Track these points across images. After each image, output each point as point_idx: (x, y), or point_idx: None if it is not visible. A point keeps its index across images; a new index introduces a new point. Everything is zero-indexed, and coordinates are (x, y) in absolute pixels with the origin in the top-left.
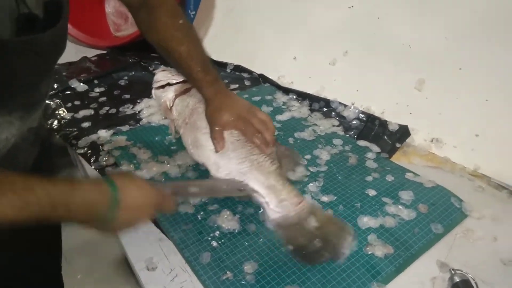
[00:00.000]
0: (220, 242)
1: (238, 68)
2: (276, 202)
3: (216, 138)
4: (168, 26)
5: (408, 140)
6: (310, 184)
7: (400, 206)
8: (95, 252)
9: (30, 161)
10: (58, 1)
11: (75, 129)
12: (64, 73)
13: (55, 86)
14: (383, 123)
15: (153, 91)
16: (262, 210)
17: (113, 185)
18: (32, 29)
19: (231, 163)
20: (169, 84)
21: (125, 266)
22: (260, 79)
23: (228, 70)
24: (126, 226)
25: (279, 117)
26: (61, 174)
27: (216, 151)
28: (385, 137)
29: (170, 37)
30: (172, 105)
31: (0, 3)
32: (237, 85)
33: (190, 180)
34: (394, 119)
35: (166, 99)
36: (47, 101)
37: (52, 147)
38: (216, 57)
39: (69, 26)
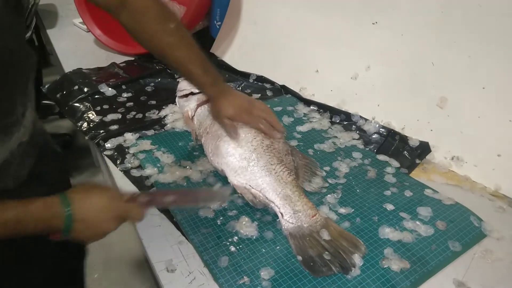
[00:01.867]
0: (238, 247)
1: (261, 79)
2: (291, 213)
3: (228, 127)
4: (159, 33)
5: (428, 157)
6: (329, 195)
7: (417, 222)
8: (112, 251)
9: (25, 171)
10: None
11: (103, 131)
12: (93, 78)
13: (85, 90)
14: (404, 139)
15: (176, 99)
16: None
17: (66, 202)
18: None
19: (248, 171)
20: (192, 93)
21: (142, 266)
22: (282, 90)
23: (251, 80)
24: (89, 238)
25: (300, 128)
26: (84, 174)
27: (232, 138)
28: (405, 152)
29: (163, 44)
30: (194, 114)
31: None
32: (259, 95)
33: (171, 189)
34: (414, 135)
35: (188, 108)
36: (77, 104)
37: (74, 149)
38: (239, 67)
39: (100, 33)
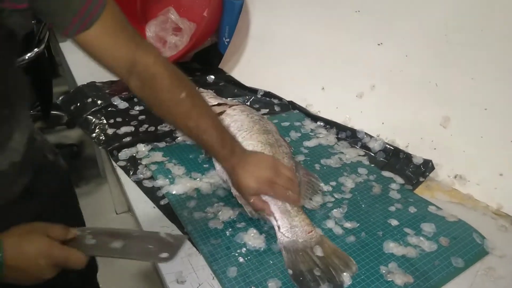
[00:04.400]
0: (246, 258)
1: (269, 94)
2: (288, 227)
3: (259, 207)
4: (168, 104)
5: (431, 175)
6: (334, 210)
7: (421, 238)
8: (120, 263)
9: (17, 189)
10: None
11: (117, 144)
12: (107, 91)
13: (99, 102)
14: (408, 156)
15: None
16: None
17: None
18: None
19: None
20: None
21: (151, 278)
22: (290, 106)
23: (259, 96)
24: (23, 283)
25: (307, 143)
26: (90, 185)
27: (269, 215)
28: (409, 170)
29: (174, 114)
30: None
31: None
32: (267, 110)
33: (122, 230)
34: (418, 153)
35: None
36: (90, 116)
37: (81, 160)
38: (247, 83)
39: None
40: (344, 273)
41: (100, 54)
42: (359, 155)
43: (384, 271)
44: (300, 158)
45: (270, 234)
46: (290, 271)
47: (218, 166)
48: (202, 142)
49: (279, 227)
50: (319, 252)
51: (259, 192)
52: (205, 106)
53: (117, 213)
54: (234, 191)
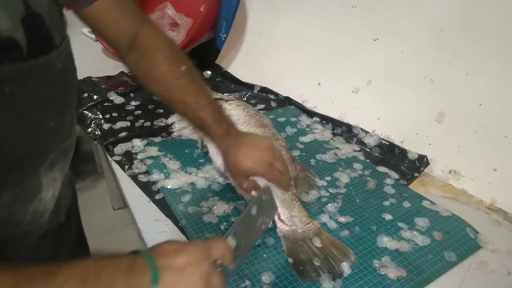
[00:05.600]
0: None
1: (265, 90)
2: (288, 216)
3: (251, 187)
4: (168, 76)
5: (426, 170)
6: (329, 204)
7: (415, 232)
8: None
9: (68, 203)
10: (37, 15)
11: (113, 139)
12: (103, 86)
13: (95, 97)
14: (403, 152)
15: None
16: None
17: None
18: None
19: None
20: None
21: None
22: (286, 101)
23: (255, 91)
24: None
25: (303, 139)
26: (87, 180)
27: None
28: (404, 165)
29: (172, 87)
30: None
31: None
32: (264, 106)
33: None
34: (413, 149)
35: None
36: (86, 111)
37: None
38: (244, 78)
39: None
40: (343, 263)
41: (106, 26)
42: (355, 151)
43: (377, 265)
44: (296, 153)
45: None
46: (291, 260)
47: (215, 159)
48: (198, 119)
49: (279, 215)
50: (318, 243)
51: (254, 173)
52: (202, 83)
53: (114, 209)
54: (233, 181)
